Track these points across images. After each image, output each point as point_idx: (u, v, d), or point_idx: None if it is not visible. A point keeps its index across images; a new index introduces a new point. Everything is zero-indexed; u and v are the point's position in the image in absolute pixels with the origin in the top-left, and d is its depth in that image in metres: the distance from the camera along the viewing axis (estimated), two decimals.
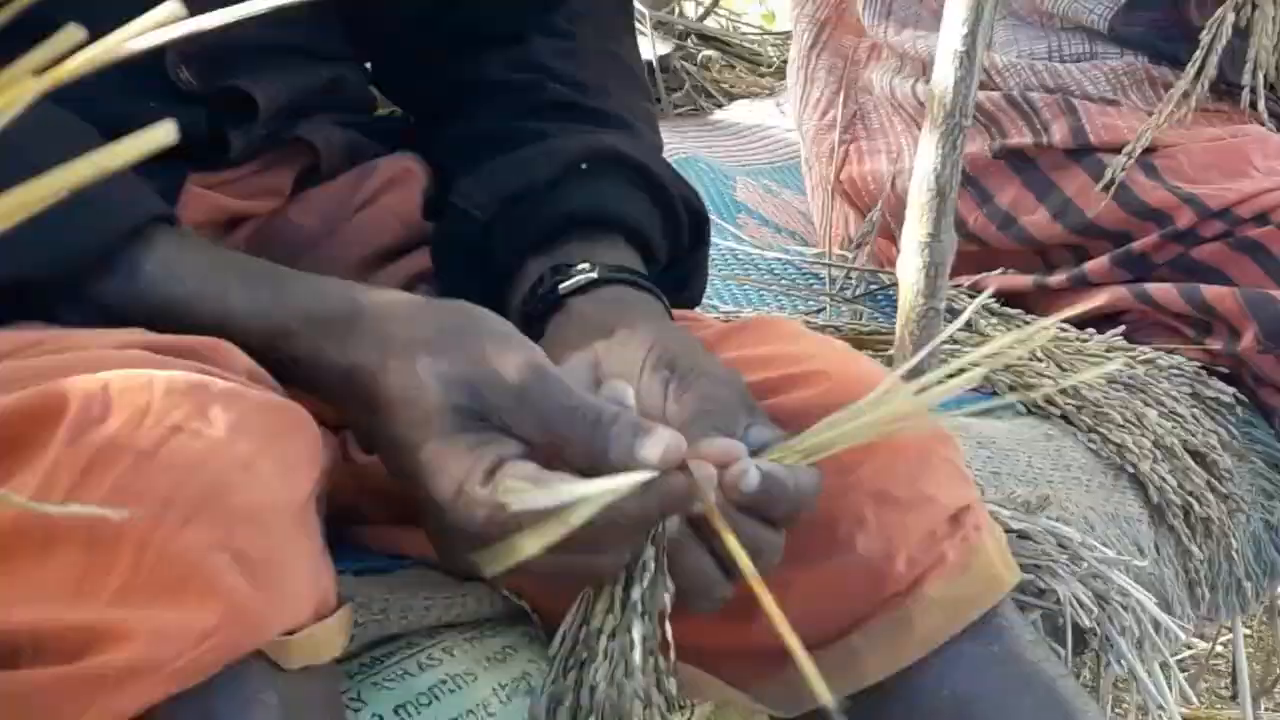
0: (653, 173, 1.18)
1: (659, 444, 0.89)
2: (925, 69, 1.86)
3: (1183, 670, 2.50)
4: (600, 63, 1.26)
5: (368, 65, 1.34)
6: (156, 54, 1.14)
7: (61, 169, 0.45)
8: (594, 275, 1.10)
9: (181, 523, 0.83)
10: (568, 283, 1.09)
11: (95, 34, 0.50)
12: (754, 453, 0.95)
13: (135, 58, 0.48)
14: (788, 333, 1.13)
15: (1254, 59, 1.81)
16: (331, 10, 1.24)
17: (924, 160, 1.28)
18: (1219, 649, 2.55)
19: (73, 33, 0.44)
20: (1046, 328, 0.90)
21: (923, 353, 1.05)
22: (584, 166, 1.16)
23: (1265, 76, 1.91)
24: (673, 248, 1.17)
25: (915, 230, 1.29)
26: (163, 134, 0.45)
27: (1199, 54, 1.78)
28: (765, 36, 2.89)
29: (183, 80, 1.15)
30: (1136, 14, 1.87)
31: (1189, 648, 2.52)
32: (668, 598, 0.95)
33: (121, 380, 0.89)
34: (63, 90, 0.44)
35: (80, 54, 0.45)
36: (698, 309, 1.25)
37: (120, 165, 0.46)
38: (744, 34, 2.89)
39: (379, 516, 1.17)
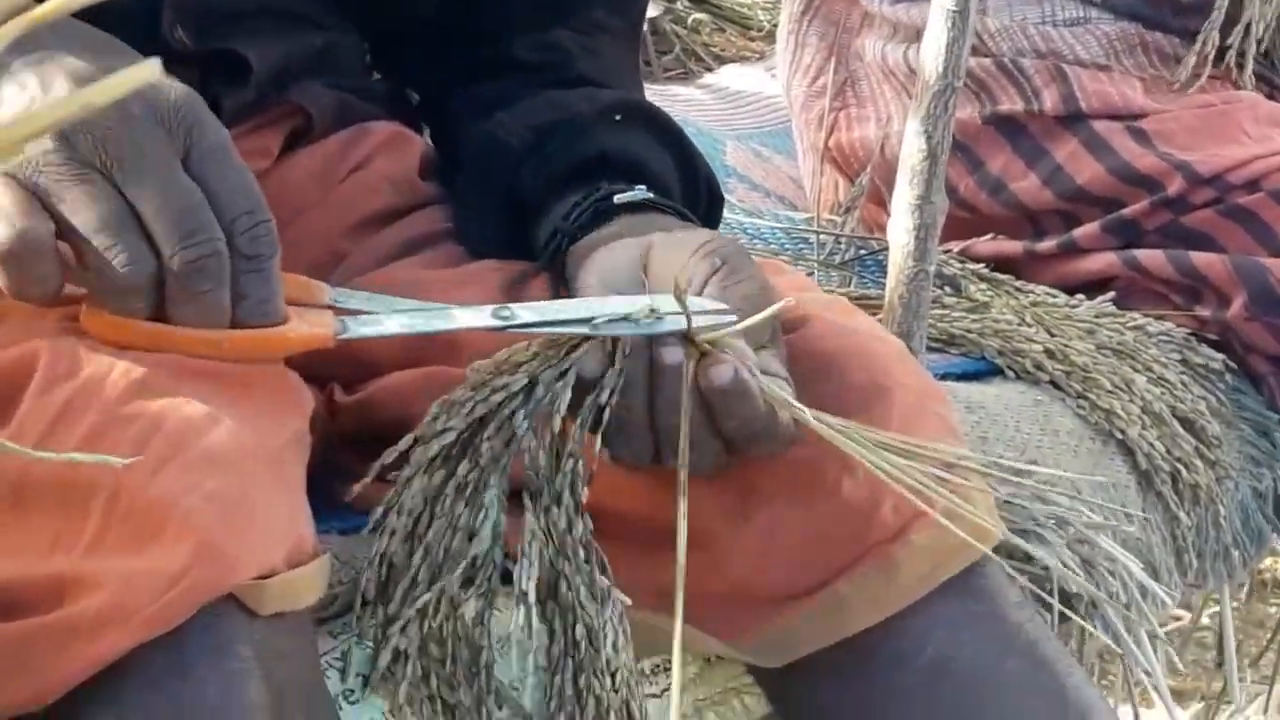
0: (681, 138, 1.20)
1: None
2: (918, 36, 1.85)
3: (1170, 643, 2.51)
4: (616, 64, 1.27)
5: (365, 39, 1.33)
6: (153, 15, 1.15)
7: (49, 104, 0.45)
8: (650, 195, 1.12)
9: (152, 471, 0.84)
10: (624, 195, 1.11)
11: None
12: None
13: (131, 18, 0.48)
14: (795, 282, 1.14)
15: (1244, 23, 1.81)
16: None
17: (915, 123, 1.27)
18: (1205, 620, 2.56)
19: None
20: None
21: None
22: (618, 117, 1.18)
23: (1260, 43, 1.91)
24: (690, 213, 1.18)
25: (906, 192, 1.29)
26: (147, 71, 0.45)
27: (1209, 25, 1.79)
28: (756, 0, 2.87)
29: (177, 40, 1.14)
30: None
31: (1176, 619, 2.52)
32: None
33: (90, 342, 0.89)
34: None
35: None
36: None
37: (106, 100, 0.46)
38: None
39: (362, 473, 1.16)
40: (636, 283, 1.02)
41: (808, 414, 0.95)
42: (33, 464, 0.84)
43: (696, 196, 1.20)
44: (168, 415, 0.86)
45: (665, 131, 1.19)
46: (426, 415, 0.99)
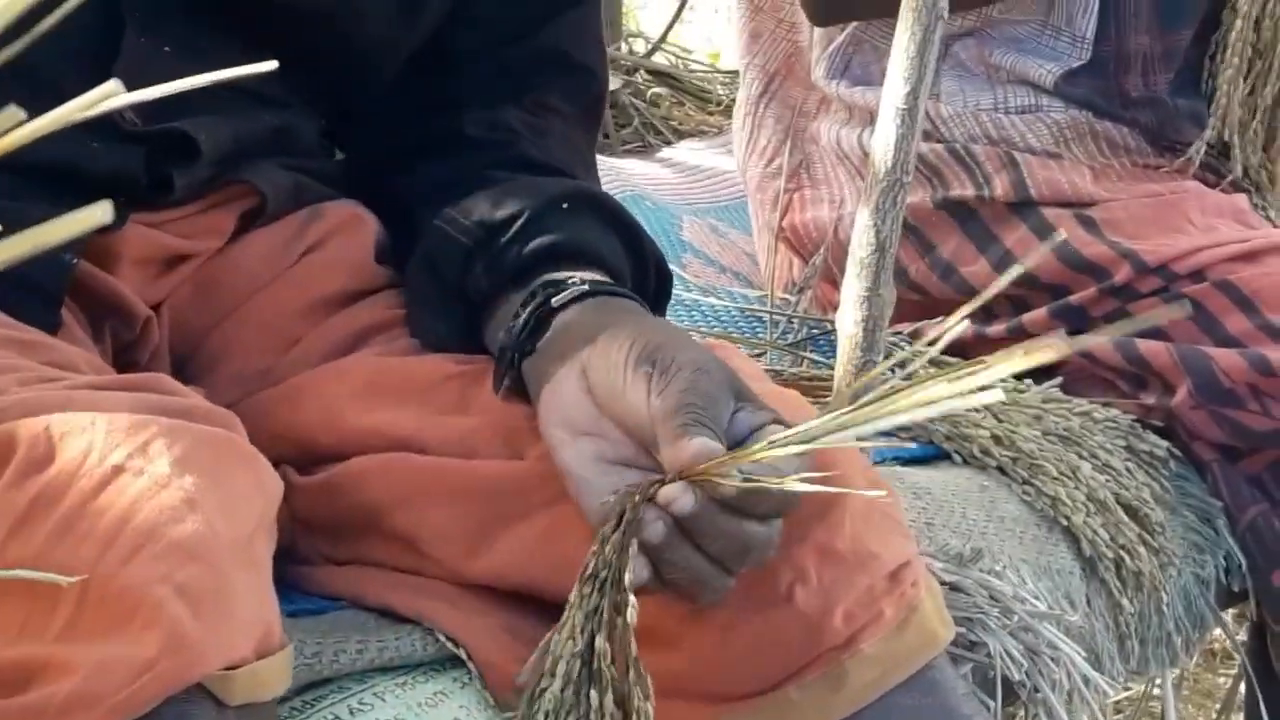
0: (627, 221, 1.20)
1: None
2: (873, 119, 1.88)
3: (1118, 713, 2.52)
4: (564, 147, 1.27)
5: (321, 116, 1.34)
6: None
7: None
8: (585, 288, 1.11)
9: (124, 559, 0.84)
10: (560, 295, 1.11)
11: (35, 93, 0.51)
12: (741, 441, 0.97)
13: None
14: (745, 371, 1.14)
15: (1220, 118, 1.85)
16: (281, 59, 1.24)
17: (864, 216, 1.29)
18: (1155, 691, 2.56)
19: (12, 115, 0.44)
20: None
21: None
22: (565, 205, 1.17)
23: (1221, 135, 1.95)
24: (639, 294, 1.19)
25: (855, 285, 1.31)
26: (99, 214, 0.46)
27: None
28: (714, 74, 2.89)
29: (127, 120, 1.15)
30: (1079, 78, 1.90)
31: (1126, 689, 2.53)
32: (631, 611, 0.96)
33: (63, 422, 0.90)
34: None
35: (19, 130, 0.46)
36: None
37: (58, 241, 0.47)
38: (693, 71, 2.90)
39: (312, 555, 1.17)
40: (594, 419, 1.03)
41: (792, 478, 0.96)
42: (5, 550, 0.85)
43: (645, 276, 1.20)
44: (141, 504, 0.86)
45: (611, 215, 1.20)
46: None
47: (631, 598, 0.96)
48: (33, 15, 0.46)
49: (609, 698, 0.97)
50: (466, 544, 1.11)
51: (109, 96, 0.49)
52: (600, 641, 0.97)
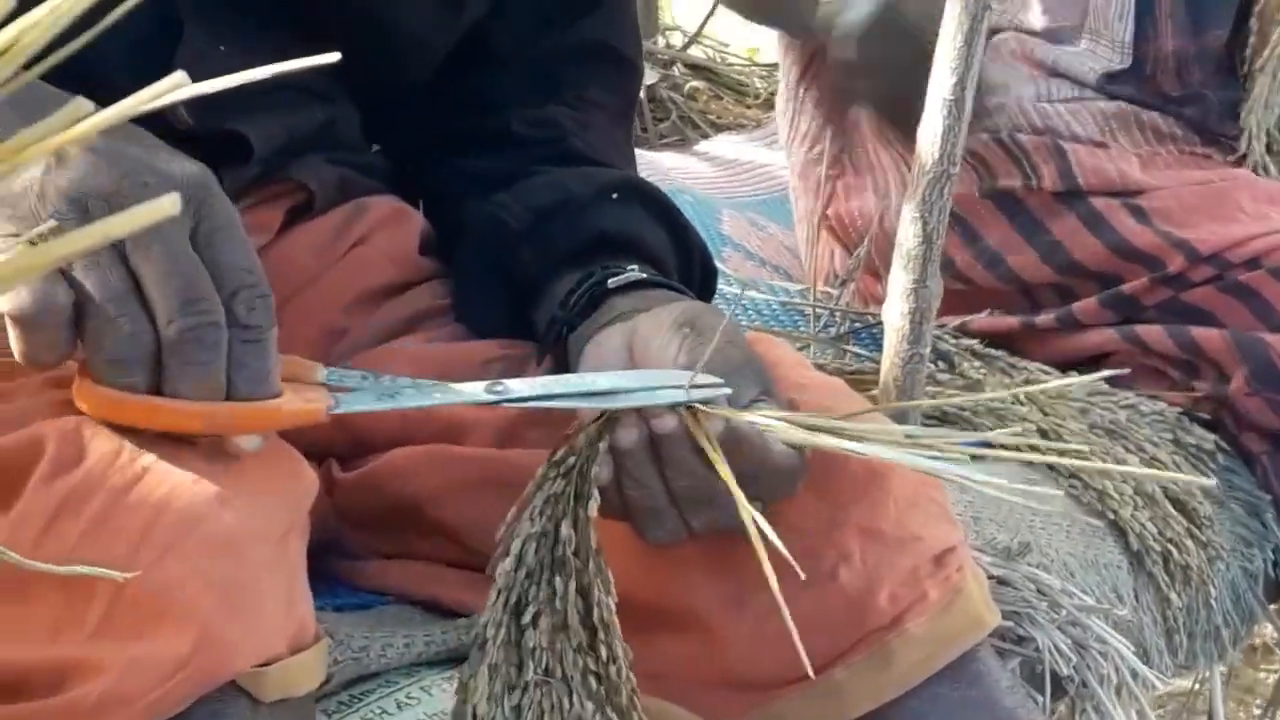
0: (675, 214, 1.22)
1: None
2: None
3: (1161, 706, 2.51)
4: (608, 140, 1.28)
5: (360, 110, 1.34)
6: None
7: (74, 236, 0.45)
8: (642, 276, 1.13)
9: (157, 556, 0.84)
10: (618, 278, 1.13)
11: (92, 94, 0.51)
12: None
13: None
14: (789, 359, 1.14)
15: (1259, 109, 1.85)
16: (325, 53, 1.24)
17: (911, 208, 1.28)
18: (1198, 687, 2.55)
19: (80, 106, 0.44)
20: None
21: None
22: (615, 196, 1.19)
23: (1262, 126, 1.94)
24: (685, 287, 1.19)
25: (901, 277, 1.30)
26: (167, 205, 0.46)
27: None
28: (753, 67, 2.88)
29: (179, 120, 1.15)
30: (1119, 79, 1.90)
31: (1168, 685, 2.52)
32: (592, 504, 0.98)
33: (93, 420, 0.89)
34: None
35: (85, 121, 0.46)
36: None
37: (126, 233, 0.46)
38: (730, 64, 2.89)
39: (360, 549, 1.17)
40: (624, 367, 1.05)
41: (802, 433, 0.96)
42: (37, 549, 0.85)
43: (690, 269, 1.21)
44: (172, 501, 0.86)
45: (660, 208, 1.21)
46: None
47: (595, 490, 0.98)
48: (89, 15, 0.46)
49: (572, 585, 0.98)
50: None
51: (176, 88, 0.49)
52: (565, 529, 0.98)
